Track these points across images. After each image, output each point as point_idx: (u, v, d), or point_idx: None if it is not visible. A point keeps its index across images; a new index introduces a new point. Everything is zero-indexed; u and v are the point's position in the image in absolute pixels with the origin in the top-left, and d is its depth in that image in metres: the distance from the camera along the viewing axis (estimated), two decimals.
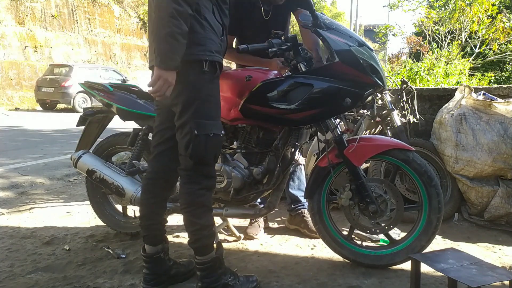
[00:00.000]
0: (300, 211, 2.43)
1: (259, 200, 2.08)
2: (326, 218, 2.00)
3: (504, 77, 12.32)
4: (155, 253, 1.74)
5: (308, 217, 2.34)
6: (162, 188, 1.75)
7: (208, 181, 1.61)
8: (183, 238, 2.33)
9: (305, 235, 2.38)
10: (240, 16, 2.16)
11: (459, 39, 9.23)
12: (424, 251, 1.84)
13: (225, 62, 1.80)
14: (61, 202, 3.14)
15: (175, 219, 2.55)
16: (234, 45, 2.37)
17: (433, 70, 6.82)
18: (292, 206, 2.46)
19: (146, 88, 1.76)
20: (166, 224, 1.81)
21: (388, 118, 2.69)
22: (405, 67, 7.05)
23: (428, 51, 9.72)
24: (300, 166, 2.48)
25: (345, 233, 2.05)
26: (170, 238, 2.31)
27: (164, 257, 1.77)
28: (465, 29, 9.01)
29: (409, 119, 2.75)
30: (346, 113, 2.52)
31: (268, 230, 2.49)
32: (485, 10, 8.45)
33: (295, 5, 2.21)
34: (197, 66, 1.51)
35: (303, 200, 2.43)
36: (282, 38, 1.80)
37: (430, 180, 1.85)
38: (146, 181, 1.76)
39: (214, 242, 1.68)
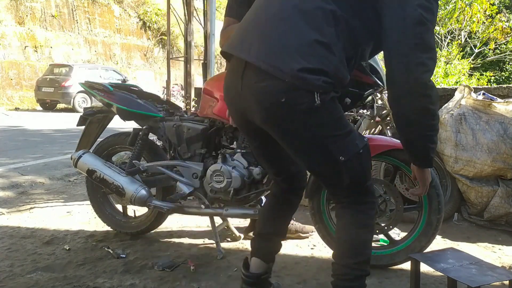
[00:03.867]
0: None
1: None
2: (326, 218, 2.00)
3: (503, 77, 12.34)
4: (263, 273, 1.52)
5: (292, 223, 2.27)
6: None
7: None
8: (184, 238, 2.33)
9: (301, 237, 2.34)
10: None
11: (458, 39, 9.24)
12: (424, 251, 1.85)
13: None
14: (61, 202, 3.14)
15: (175, 219, 2.55)
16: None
17: None
18: None
19: (146, 88, 1.75)
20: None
21: (388, 118, 2.69)
22: None
23: None
24: None
25: None
26: (170, 238, 2.33)
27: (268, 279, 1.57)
28: (465, 29, 9.03)
29: None
30: (346, 113, 2.52)
31: None
32: (484, 10, 8.47)
33: None
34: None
35: None
36: None
37: (430, 181, 1.84)
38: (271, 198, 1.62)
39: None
